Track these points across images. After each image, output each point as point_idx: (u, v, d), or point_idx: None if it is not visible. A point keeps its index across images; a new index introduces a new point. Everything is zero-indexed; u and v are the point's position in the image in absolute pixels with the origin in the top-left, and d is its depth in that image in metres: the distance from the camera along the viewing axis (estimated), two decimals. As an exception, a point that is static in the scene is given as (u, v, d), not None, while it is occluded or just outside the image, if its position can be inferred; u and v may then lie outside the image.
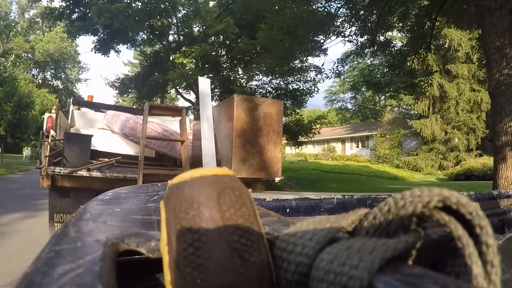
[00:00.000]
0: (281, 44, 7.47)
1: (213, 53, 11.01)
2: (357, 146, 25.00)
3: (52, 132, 2.94)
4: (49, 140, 2.71)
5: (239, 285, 0.20)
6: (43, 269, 0.20)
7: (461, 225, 0.19)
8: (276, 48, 7.60)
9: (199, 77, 3.25)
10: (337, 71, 8.98)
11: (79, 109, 4.60)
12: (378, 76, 9.90)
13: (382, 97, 26.82)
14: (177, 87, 13.06)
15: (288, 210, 0.73)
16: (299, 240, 0.22)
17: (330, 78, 11.06)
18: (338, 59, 8.79)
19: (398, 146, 21.02)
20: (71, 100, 4.77)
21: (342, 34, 8.06)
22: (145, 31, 12.41)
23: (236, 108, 2.68)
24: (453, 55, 18.36)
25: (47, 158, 2.55)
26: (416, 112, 20.43)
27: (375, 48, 8.08)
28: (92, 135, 3.00)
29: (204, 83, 3.21)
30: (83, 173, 2.55)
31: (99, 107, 4.70)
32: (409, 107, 22.60)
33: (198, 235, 0.21)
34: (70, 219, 0.32)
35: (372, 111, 31.12)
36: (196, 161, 3.14)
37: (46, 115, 3.13)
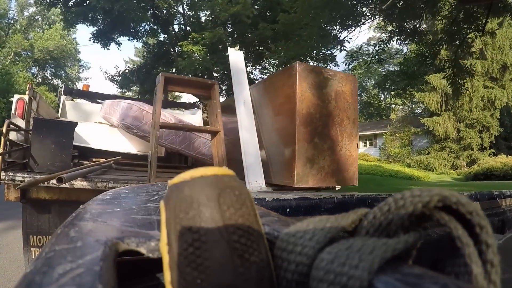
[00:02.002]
0: (318, 18, 6.51)
1: (226, 40, 9.71)
2: (365, 145, 24.73)
3: (18, 121, 2.10)
4: (4, 129, 1.84)
5: (239, 285, 0.20)
6: (43, 269, 0.20)
7: (461, 225, 0.19)
8: (311, 26, 6.63)
9: (229, 48, 2.53)
10: (376, 57, 8.01)
11: (72, 100, 3.89)
12: (414, 64, 9.10)
13: (387, 95, 26.62)
14: None
15: (288, 210, 0.74)
16: (299, 240, 0.22)
17: (369, 64, 10.03)
18: (381, 41, 7.89)
19: (409, 145, 20.54)
20: (62, 89, 4.00)
21: (378, 14, 7.24)
22: (148, 22, 11.72)
23: (300, 83, 1.85)
24: (466, 50, 17.90)
25: (0, 158, 1.74)
26: (426, 110, 19.96)
27: (404, 36, 7.42)
28: (76, 123, 2.04)
29: (236, 55, 2.46)
30: (58, 183, 1.54)
31: (95, 97, 3.98)
32: (415, 105, 22.34)
33: (198, 235, 0.21)
34: (70, 219, 0.32)
35: (376, 109, 31.00)
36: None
37: (16, 97, 2.27)
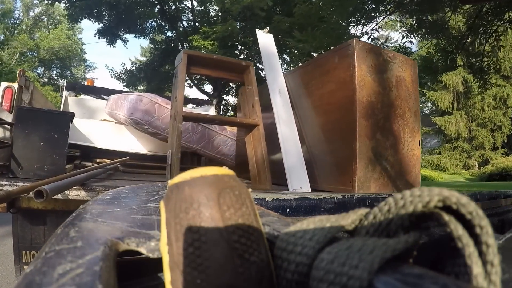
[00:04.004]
0: (346, 5, 6.04)
1: (238, 34, 9.15)
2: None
3: (4, 114, 1.75)
4: None
5: (239, 285, 0.20)
6: (43, 269, 0.20)
7: (461, 225, 0.19)
8: (338, 14, 6.24)
9: (257, 30, 2.22)
10: (403, 48, 7.58)
11: (76, 96, 3.62)
12: (438, 58, 8.52)
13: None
14: (192, 77, 11.63)
15: (288, 210, 0.74)
16: (299, 240, 0.22)
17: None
18: (407, 31, 7.40)
19: (419, 145, 20.27)
20: (64, 84, 3.70)
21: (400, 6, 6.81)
22: (155, 18, 11.49)
23: (358, 64, 1.52)
24: (478, 48, 17.48)
25: None
26: (434, 110, 19.66)
27: (424, 30, 7.18)
28: (73, 113, 1.64)
29: (266, 38, 2.13)
30: (36, 198, 0.94)
31: (101, 93, 3.68)
32: (422, 104, 22.18)
33: (198, 235, 0.21)
34: (70, 219, 0.32)
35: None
36: (248, 162, 1.92)
37: (3, 85, 1.89)
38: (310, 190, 1.66)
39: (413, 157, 1.75)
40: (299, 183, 1.67)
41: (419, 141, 1.79)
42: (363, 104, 1.52)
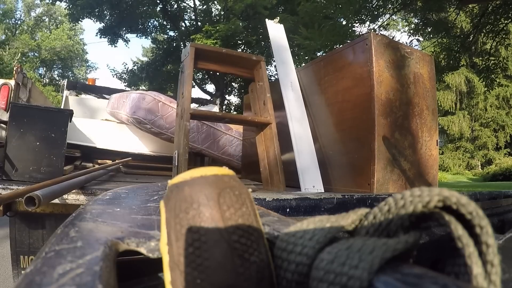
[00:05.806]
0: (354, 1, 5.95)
1: (241, 33, 9.07)
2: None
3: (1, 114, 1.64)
4: None
5: (239, 285, 0.20)
6: (43, 269, 0.20)
7: (461, 225, 0.19)
8: (348, 10, 6.11)
9: (267, 20, 2.10)
10: (410, 44, 7.54)
11: (77, 95, 3.53)
12: (443, 57, 8.88)
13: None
14: (195, 76, 11.61)
15: (288, 210, 0.74)
16: (299, 240, 0.22)
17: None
18: (416, 25, 7.38)
19: None
20: (65, 83, 3.59)
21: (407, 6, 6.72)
22: (157, 17, 11.47)
23: (376, 60, 1.46)
24: (481, 47, 17.22)
25: None
26: (441, 109, 19.64)
27: (429, 28, 7.16)
28: (71, 111, 1.51)
29: (276, 29, 2.04)
30: (28, 207, 0.78)
31: (102, 92, 3.62)
32: None
33: (198, 235, 0.21)
34: (70, 219, 0.32)
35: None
36: (255, 163, 1.78)
37: None
38: (323, 190, 1.60)
39: (431, 157, 1.68)
40: (311, 182, 1.61)
41: (437, 140, 1.71)
42: (381, 102, 1.45)
